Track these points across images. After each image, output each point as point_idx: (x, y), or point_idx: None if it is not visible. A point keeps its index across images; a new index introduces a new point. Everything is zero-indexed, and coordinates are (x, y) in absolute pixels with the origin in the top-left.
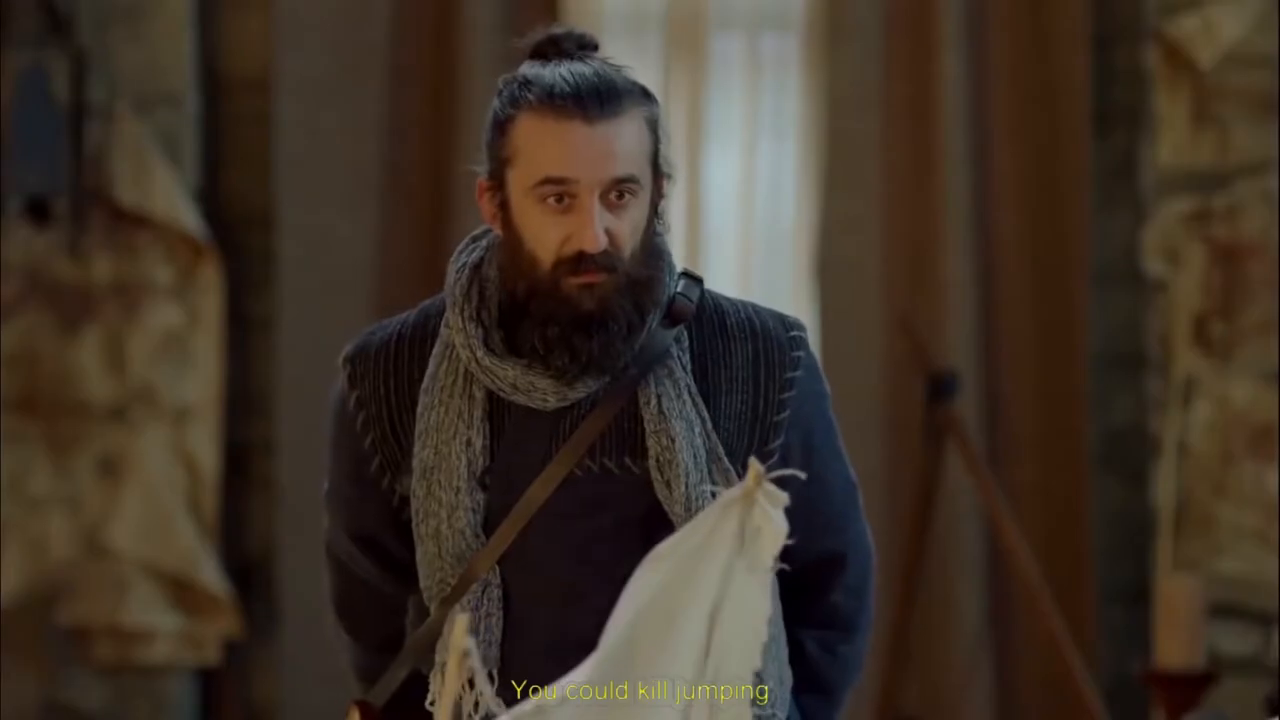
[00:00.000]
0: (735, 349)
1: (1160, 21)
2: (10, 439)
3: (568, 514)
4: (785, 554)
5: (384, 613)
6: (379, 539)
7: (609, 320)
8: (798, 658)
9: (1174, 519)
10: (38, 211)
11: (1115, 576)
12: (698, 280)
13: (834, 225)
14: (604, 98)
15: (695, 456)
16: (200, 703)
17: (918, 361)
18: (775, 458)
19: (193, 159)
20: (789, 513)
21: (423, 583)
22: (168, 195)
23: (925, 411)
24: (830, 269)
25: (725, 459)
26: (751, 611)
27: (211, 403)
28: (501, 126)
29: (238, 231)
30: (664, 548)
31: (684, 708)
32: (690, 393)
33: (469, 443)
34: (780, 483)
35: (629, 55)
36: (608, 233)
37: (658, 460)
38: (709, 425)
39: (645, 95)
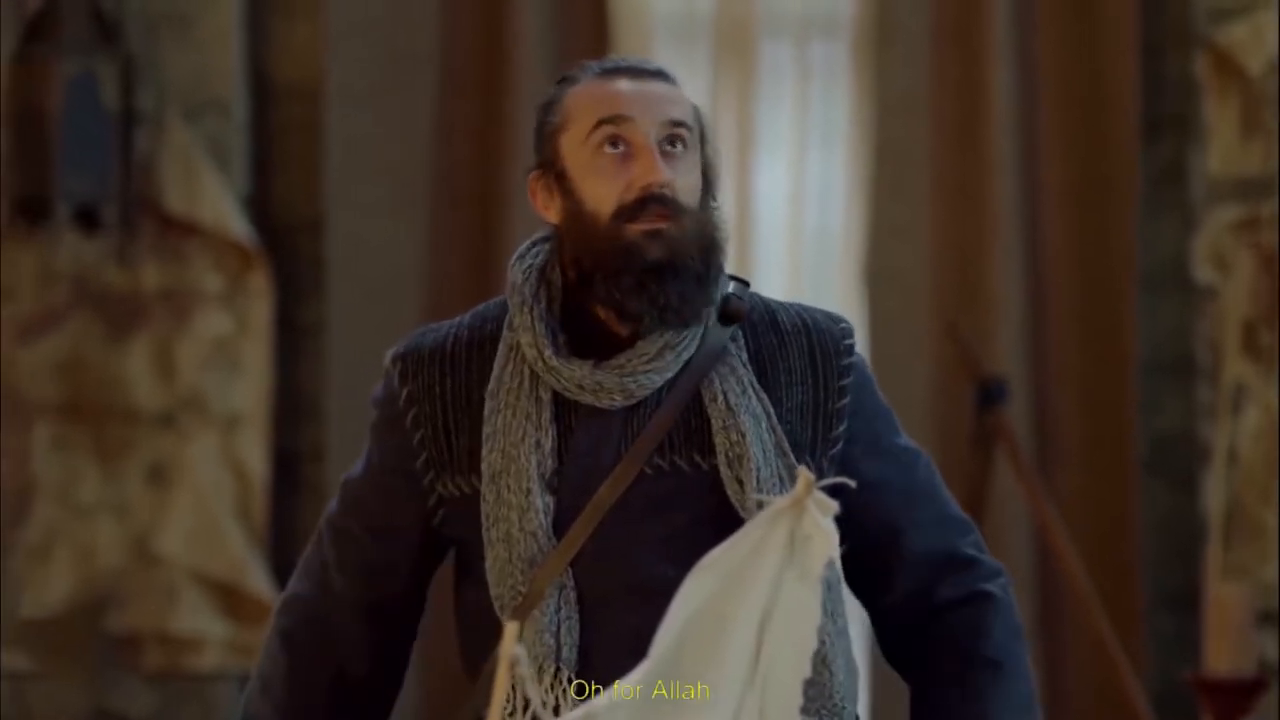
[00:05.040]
0: (790, 344)
1: (1209, 29)
2: (59, 446)
3: (639, 513)
4: (900, 541)
5: (325, 641)
6: (398, 537)
7: (680, 269)
8: (934, 639)
9: (1223, 526)
10: (87, 219)
11: (1163, 583)
12: (745, 283)
13: (883, 233)
14: (651, 68)
15: (765, 451)
16: None
17: (967, 368)
18: (839, 445)
19: (241, 166)
20: (881, 499)
21: (493, 590)
22: (216, 202)
23: (974, 418)
24: (879, 276)
25: (790, 454)
26: (802, 620)
27: (260, 409)
28: (550, 106)
29: (287, 238)
30: (713, 556)
31: (733, 715)
32: (754, 387)
33: (538, 444)
34: (849, 475)
35: (678, 62)
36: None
37: (727, 456)
38: (774, 419)
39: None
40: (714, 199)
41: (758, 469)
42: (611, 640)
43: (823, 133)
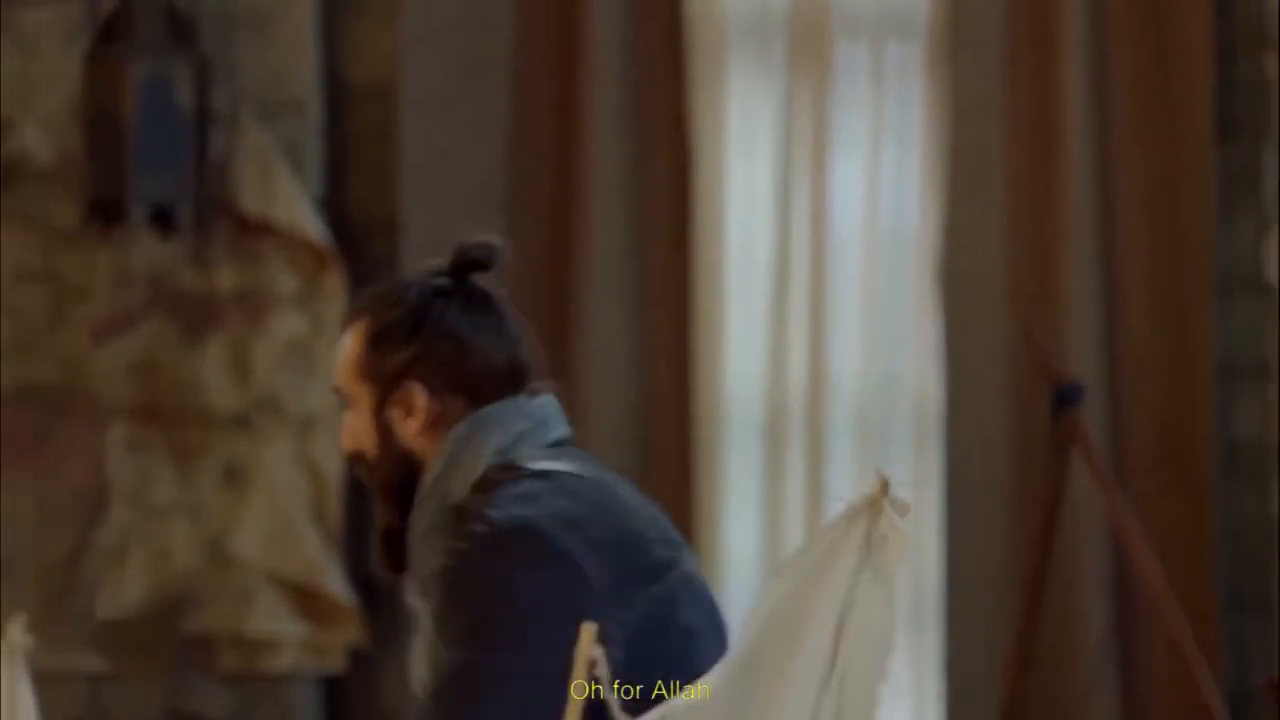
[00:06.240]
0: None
1: None
2: (134, 448)
3: None
4: None
5: None
6: None
7: (377, 522)
8: None
9: None
10: (162, 220)
11: (1238, 587)
12: (514, 475)
13: (957, 234)
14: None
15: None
16: (325, 711)
17: (1042, 371)
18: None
19: (316, 167)
20: None
21: None
22: (291, 203)
23: (1050, 421)
24: (954, 278)
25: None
26: (878, 621)
27: (336, 411)
28: None
29: (362, 239)
30: (788, 559)
31: (809, 718)
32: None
33: None
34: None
35: (753, 64)
36: (351, 434)
37: None
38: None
39: (380, 306)
40: (395, 426)
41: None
42: None
43: (898, 134)
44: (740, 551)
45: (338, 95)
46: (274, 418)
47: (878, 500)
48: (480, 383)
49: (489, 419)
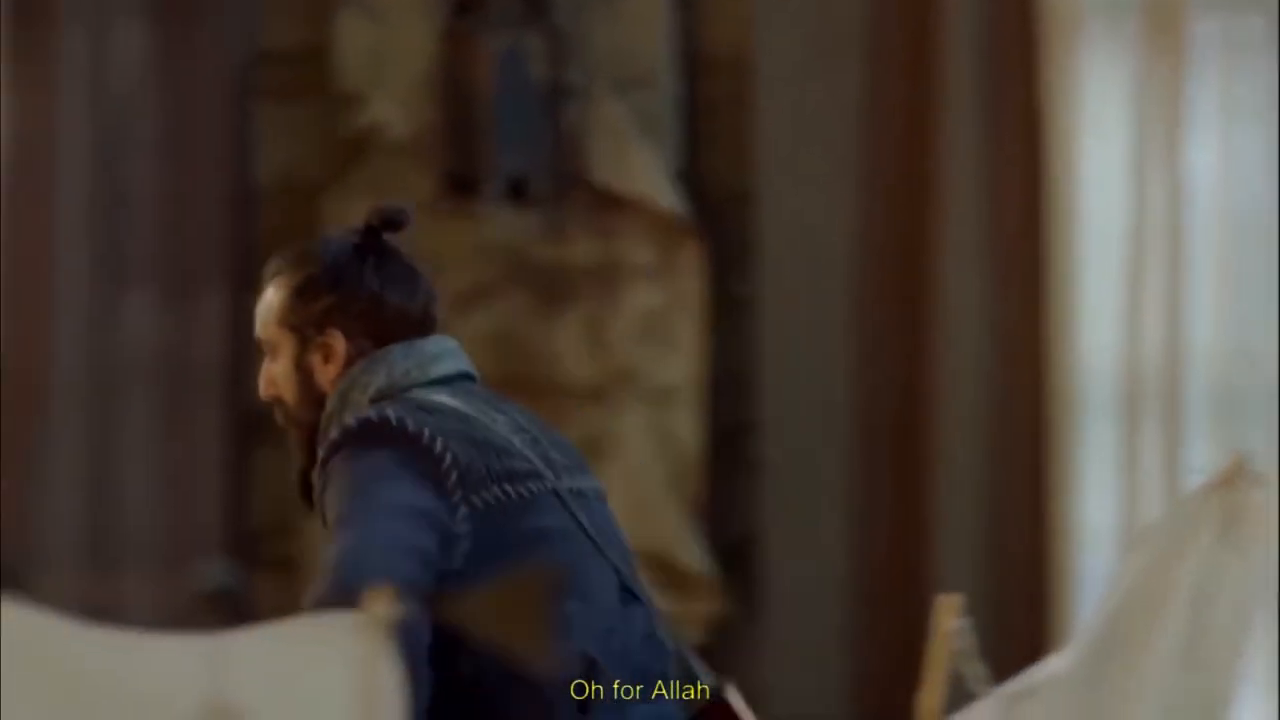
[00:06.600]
0: None
1: None
2: None
3: None
4: None
5: None
6: None
7: (294, 463)
8: None
9: None
10: (517, 193)
11: None
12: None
13: None
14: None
15: None
16: None
17: None
18: None
19: (672, 140)
20: None
21: None
22: (647, 176)
23: None
24: None
25: None
26: (1238, 595)
27: (694, 383)
28: None
29: (718, 212)
30: (1144, 531)
31: (1164, 695)
32: None
33: None
34: None
35: (1107, 40)
36: (271, 381)
37: None
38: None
39: (303, 261)
40: (315, 371)
41: None
42: None
43: (1253, 110)
44: (1096, 528)
45: (692, 66)
46: (630, 390)
47: (1235, 474)
48: (394, 330)
49: (380, 358)
